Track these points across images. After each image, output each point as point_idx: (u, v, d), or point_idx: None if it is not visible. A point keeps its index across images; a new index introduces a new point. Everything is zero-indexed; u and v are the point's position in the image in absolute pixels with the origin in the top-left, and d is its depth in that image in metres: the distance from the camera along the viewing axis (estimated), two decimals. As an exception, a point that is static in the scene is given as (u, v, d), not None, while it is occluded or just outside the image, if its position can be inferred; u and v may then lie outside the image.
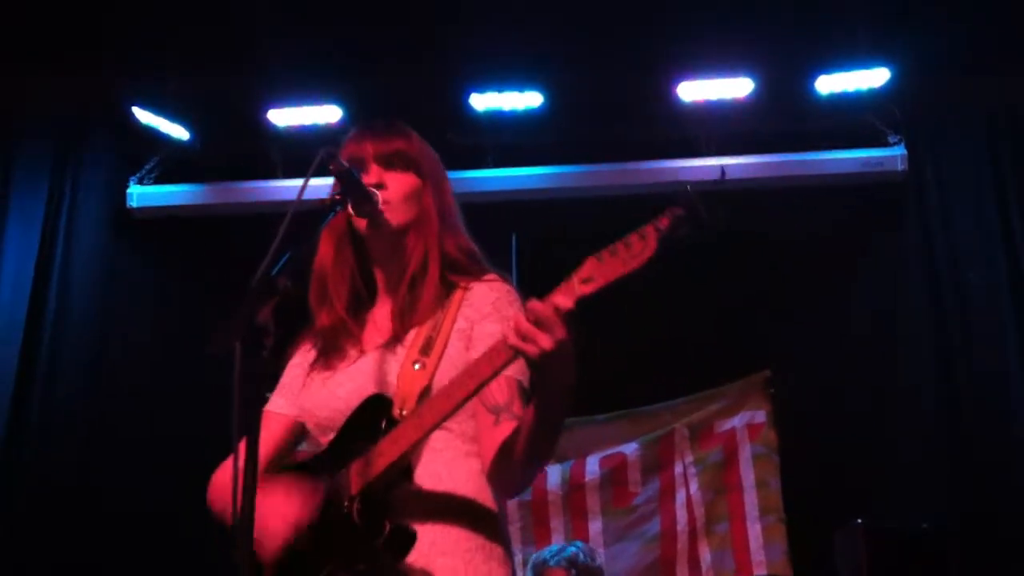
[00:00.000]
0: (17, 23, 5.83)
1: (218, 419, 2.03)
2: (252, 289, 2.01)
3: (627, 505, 6.47)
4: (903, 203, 6.45)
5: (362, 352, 2.48)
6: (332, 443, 2.37)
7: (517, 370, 2.25)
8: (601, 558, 5.90)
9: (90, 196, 6.56)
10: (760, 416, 6.40)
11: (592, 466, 6.53)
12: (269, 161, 6.58)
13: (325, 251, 2.57)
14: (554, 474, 6.44)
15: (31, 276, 6.21)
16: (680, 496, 6.41)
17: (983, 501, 5.80)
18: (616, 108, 6.44)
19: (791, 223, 6.30)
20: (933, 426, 6.09)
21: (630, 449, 6.53)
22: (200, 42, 6.07)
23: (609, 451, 6.55)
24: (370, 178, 2.45)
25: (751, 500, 6.29)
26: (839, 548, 5.50)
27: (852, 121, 6.40)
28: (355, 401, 2.35)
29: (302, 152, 5.65)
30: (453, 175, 2.67)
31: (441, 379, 2.30)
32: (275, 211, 2.12)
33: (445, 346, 2.37)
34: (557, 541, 6.28)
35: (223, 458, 2.49)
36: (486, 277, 2.50)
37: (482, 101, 6.27)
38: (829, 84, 6.18)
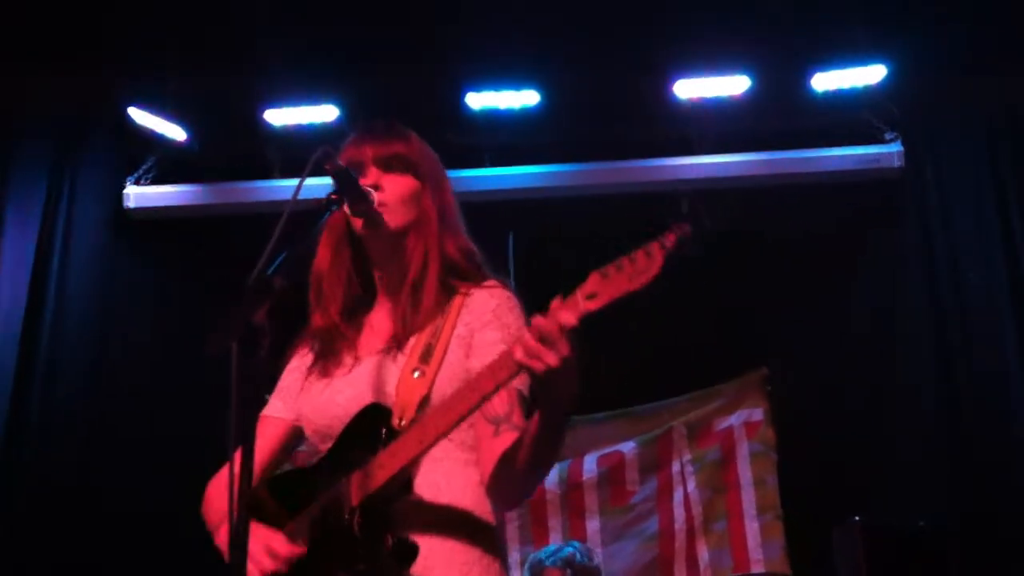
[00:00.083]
0: (13, 24, 5.82)
1: (217, 419, 2.03)
2: (248, 289, 2.01)
3: (625, 504, 6.48)
4: (901, 201, 6.45)
5: (358, 357, 2.47)
6: (330, 451, 2.37)
7: (518, 380, 2.23)
8: (599, 557, 5.91)
9: (88, 197, 6.56)
10: (758, 414, 6.40)
11: (590, 465, 6.53)
12: (266, 161, 6.58)
13: (323, 253, 2.56)
14: (552, 473, 6.42)
15: (29, 276, 6.20)
16: (678, 495, 6.42)
17: (982, 500, 5.79)
18: (613, 106, 6.44)
19: (788, 220, 6.30)
20: (932, 425, 6.09)
21: (628, 448, 6.54)
22: (196, 42, 6.07)
23: (607, 450, 6.55)
24: (367, 180, 2.45)
25: (749, 498, 6.29)
26: (837, 546, 5.50)
27: (849, 118, 6.40)
28: (353, 408, 2.35)
29: (299, 152, 5.65)
30: (450, 174, 2.66)
31: (441, 387, 2.31)
32: (273, 211, 2.12)
33: (445, 353, 2.36)
34: (555, 540, 6.28)
35: (222, 459, 2.48)
36: (486, 283, 2.48)
37: (478, 100, 6.27)
38: (825, 81, 6.18)
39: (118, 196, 6.60)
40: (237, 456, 1.92)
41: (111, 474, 6.15)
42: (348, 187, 2.37)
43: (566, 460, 6.49)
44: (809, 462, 6.17)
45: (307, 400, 2.50)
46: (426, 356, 2.35)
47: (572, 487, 6.50)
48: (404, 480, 2.20)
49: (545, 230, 6.42)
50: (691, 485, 6.39)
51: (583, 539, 6.26)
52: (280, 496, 2.40)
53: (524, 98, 6.27)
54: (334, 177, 2.36)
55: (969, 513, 5.77)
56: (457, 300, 2.44)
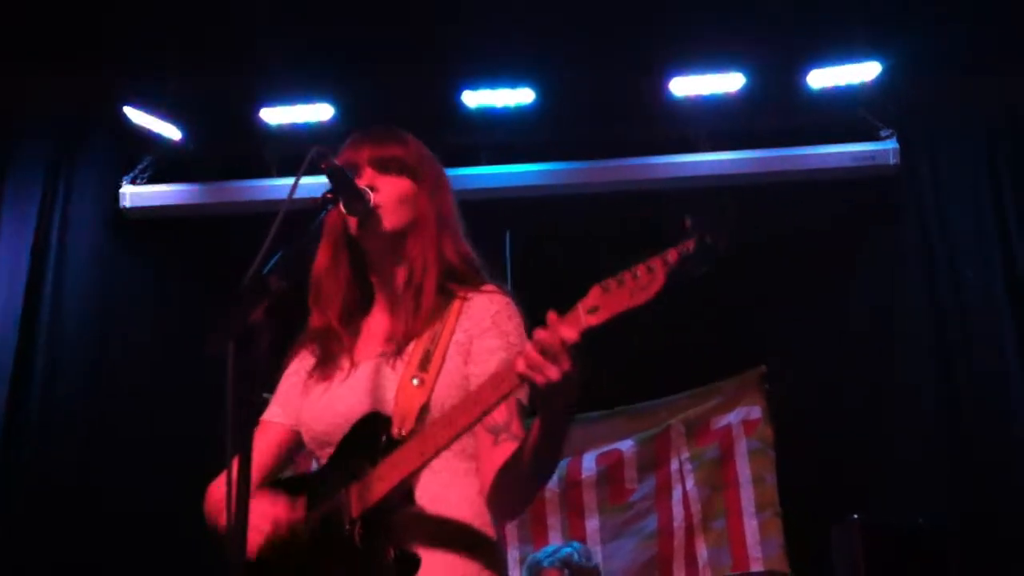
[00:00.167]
0: (10, 23, 5.82)
1: (217, 419, 2.03)
2: (243, 289, 2.01)
3: (624, 502, 6.48)
4: (897, 198, 6.44)
5: (356, 362, 2.46)
6: (330, 460, 2.36)
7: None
8: (597, 557, 5.91)
9: (84, 197, 6.54)
10: (756, 412, 6.42)
11: (588, 463, 6.54)
12: (262, 160, 6.57)
13: (322, 255, 2.56)
14: (550, 471, 6.43)
15: (26, 276, 6.19)
16: (676, 493, 6.43)
17: (981, 500, 5.78)
18: (609, 104, 6.43)
19: (784, 218, 6.29)
20: (930, 423, 6.07)
21: (626, 446, 6.55)
22: (192, 42, 6.06)
23: (605, 448, 6.56)
24: (363, 181, 2.44)
25: (747, 496, 6.30)
26: (836, 544, 5.50)
27: (844, 115, 6.39)
28: (352, 415, 2.34)
29: (295, 151, 5.64)
30: (446, 172, 2.67)
31: (440, 395, 2.30)
32: (269, 210, 2.12)
33: (443, 361, 2.35)
34: (554, 538, 6.29)
35: (222, 459, 2.48)
36: (485, 288, 2.47)
37: (474, 98, 6.26)
38: (821, 78, 6.17)
39: (115, 196, 6.59)
40: (235, 455, 1.92)
41: (111, 474, 6.14)
42: (344, 186, 2.37)
43: (565, 458, 6.47)
44: (808, 460, 6.17)
45: (306, 406, 2.50)
46: (425, 363, 2.35)
47: (571, 485, 6.51)
48: (405, 491, 2.20)
49: (541, 228, 6.42)
50: (690, 483, 6.40)
51: (582, 537, 6.27)
52: None
53: (520, 96, 6.26)
54: (329, 176, 2.35)
55: (969, 513, 5.76)
56: (456, 305, 2.43)
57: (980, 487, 5.82)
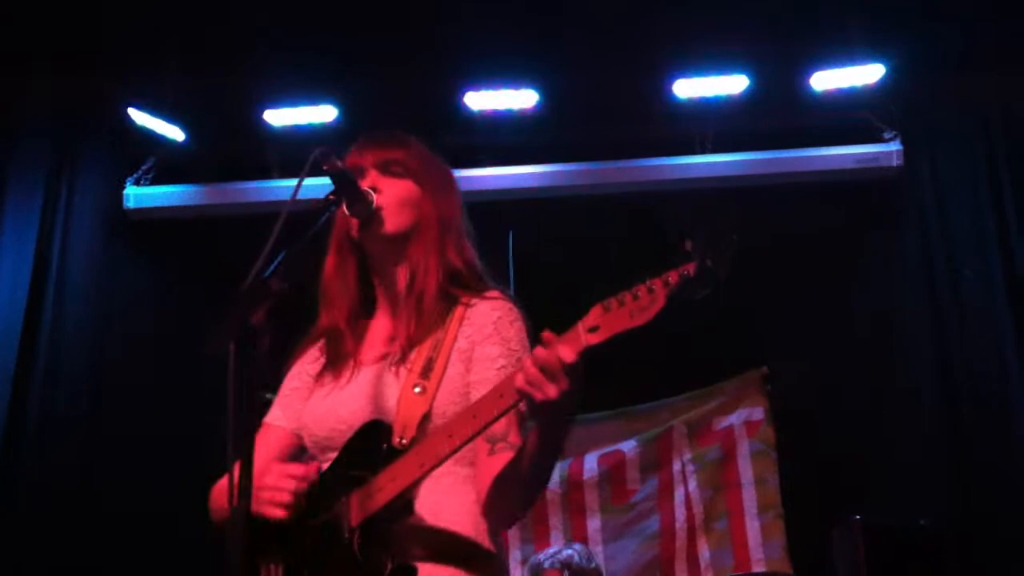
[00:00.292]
0: (12, 23, 5.82)
1: (217, 420, 2.02)
2: (245, 290, 2.00)
3: (626, 503, 6.48)
4: (901, 200, 6.44)
5: (358, 367, 2.46)
6: (331, 467, 2.36)
7: None
8: (599, 558, 5.90)
9: (86, 197, 6.54)
10: (758, 413, 6.41)
11: (590, 464, 6.53)
12: (265, 161, 6.58)
13: (330, 257, 2.57)
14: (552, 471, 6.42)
15: (28, 277, 6.19)
16: (679, 493, 6.42)
17: (981, 500, 5.79)
18: (612, 106, 6.43)
19: (788, 219, 6.29)
20: (931, 424, 6.07)
21: (628, 447, 6.54)
22: (195, 43, 6.07)
23: (607, 449, 6.55)
24: (366, 183, 2.45)
25: (750, 497, 6.30)
26: (836, 545, 5.50)
27: (848, 117, 6.38)
28: (353, 421, 2.34)
29: (298, 152, 5.64)
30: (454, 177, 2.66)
31: (441, 404, 2.31)
32: (272, 211, 2.12)
33: (445, 368, 2.35)
34: (556, 539, 6.29)
35: (222, 459, 2.48)
36: (488, 294, 2.47)
37: (477, 100, 6.26)
38: (824, 80, 6.17)
39: (117, 197, 6.59)
40: (237, 458, 1.92)
41: (111, 474, 6.14)
42: (346, 188, 2.37)
43: (567, 459, 6.48)
44: (808, 461, 6.16)
45: (308, 410, 2.50)
46: (427, 371, 2.35)
47: (573, 486, 6.50)
48: (405, 501, 2.20)
49: (545, 230, 6.41)
50: (692, 484, 6.39)
51: (584, 538, 6.27)
52: None
53: (523, 98, 6.25)
54: (332, 178, 2.36)
55: (969, 513, 5.77)
56: (458, 311, 2.43)
57: (980, 487, 5.82)
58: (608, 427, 6.57)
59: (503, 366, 2.34)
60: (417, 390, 2.32)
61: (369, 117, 6.05)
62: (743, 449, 6.38)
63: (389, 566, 2.16)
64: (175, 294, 6.74)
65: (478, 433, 2.11)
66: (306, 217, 2.26)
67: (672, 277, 1.89)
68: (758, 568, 6.13)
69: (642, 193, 6.48)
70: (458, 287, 2.47)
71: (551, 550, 5.60)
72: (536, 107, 6.29)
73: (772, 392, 6.39)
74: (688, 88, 6.20)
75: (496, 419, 2.09)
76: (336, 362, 2.50)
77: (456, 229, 2.55)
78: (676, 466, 6.46)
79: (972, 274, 6.06)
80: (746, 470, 6.35)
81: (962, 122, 6.38)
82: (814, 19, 6.00)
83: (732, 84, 6.18)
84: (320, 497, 2.29)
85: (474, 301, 2.45)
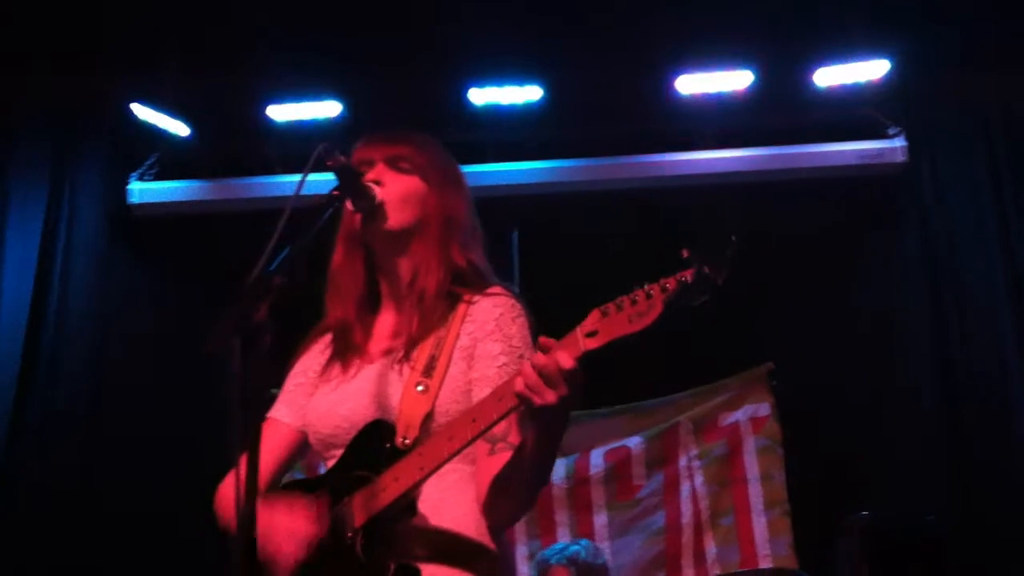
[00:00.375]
0: (15, 20, 5.82)
1: (218, 419, 2.02)
2: (248, 287, 2.00)
3: (631, 499, 6.48)
4: (905, 196, 6.43)
5: (363, 364, 2.46)
6: (335, 467, 2.36)
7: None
8: (605, 554, 5.90)
9: (90, 194, 6.53)
10: (764, 409, 6.41)
11: (596, 460, 6.53)
12: (269, 157, 6.57)
13: (338, 253, 2.57)
14: (559, 468, 6.42)
15: (32, 274, 6.19)
16: (685, 489, 6.42)
17: (981, 499, 5.80)
18: (615, 102, 6.43)
19: (792, 215, 6.28)
20: (931, 423, 6.08)
21: (634, 443, 6.54)
22: (199, 39, 6.06)
23: (613, 445, 6.55)
24: (372, 175, 2.45)
25: (756, 493, 6.30)
26: (839, 542, 5.50)
27: (852, 114, 6.38)
28: (356, 419, 2.34)
29: (302, 148, 5.63)
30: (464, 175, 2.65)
31: (443, 403, 2.31)
32: (275, 207, 2.11)
33: (448, 366, 2.35)
34: (562, 534, 6.29)
35: (223, 458, 2.47)
36: (490, 290, 2.47)
37: (481, 96, 6.25)
38: (828, 77, 6.15)
39: (120, 193, 6.57)
40: (242, 453, 1.91)
41: (111, 474, 6.14)
42: (350, 183, 2.37)
43: (573, 455, 6.49)
44: (811, 459, 6.16)
45: (312, 407, 2.50)
46: (429, 369, 2.35)
47: (579, 482, 6.50)
48: (407, 502, 2.20)
49: (548, 226, 6.41)
50: (698, 480, 6.39)
51: (590, 533, 6.27)
52: None
53: (527, 93, 6.25)
54: (336, 173, 2.35)
55: (969, 513, 5.77)
56: (461, 308, 2.43)
57: (980, 487, 5.82)
58: (614, 423, 6.57)
59: (504, 363, 2.34)
60: (420, 388, 2.32)
61: (372, 113, 6.04)
62: (749, 445, 6.38)
63: (392, 567, 2.16)
64: (178, 290, 6.73)
65: (479, 435, 2.12)
66: (310, 213, 2.25)
67: (670, 284, 1.90)
68: (765, 564, 6.13)
69: (645, 189, 6.47)
70: (461, 286, 2.46)
71: (558, 546, 5.60)
72: (540, 103, 6.28)
73: (777, 388, 6.38)
74: (692, 84, 6.20)
75: (497, 422, 2.10)
76: (345, 353, 2.50)
77: (462, 227, 2.54)
78: (682, 462, 6.46)
79: (974, 274, 6.05)
80: (752, 466, 6.35)
81: (962, 122, 6.38)
82: (818, 15, 5.99)
83: (735, 80, 6.17)
84: (323, 497, 2.29)
85: (476, 298, 2.44)
